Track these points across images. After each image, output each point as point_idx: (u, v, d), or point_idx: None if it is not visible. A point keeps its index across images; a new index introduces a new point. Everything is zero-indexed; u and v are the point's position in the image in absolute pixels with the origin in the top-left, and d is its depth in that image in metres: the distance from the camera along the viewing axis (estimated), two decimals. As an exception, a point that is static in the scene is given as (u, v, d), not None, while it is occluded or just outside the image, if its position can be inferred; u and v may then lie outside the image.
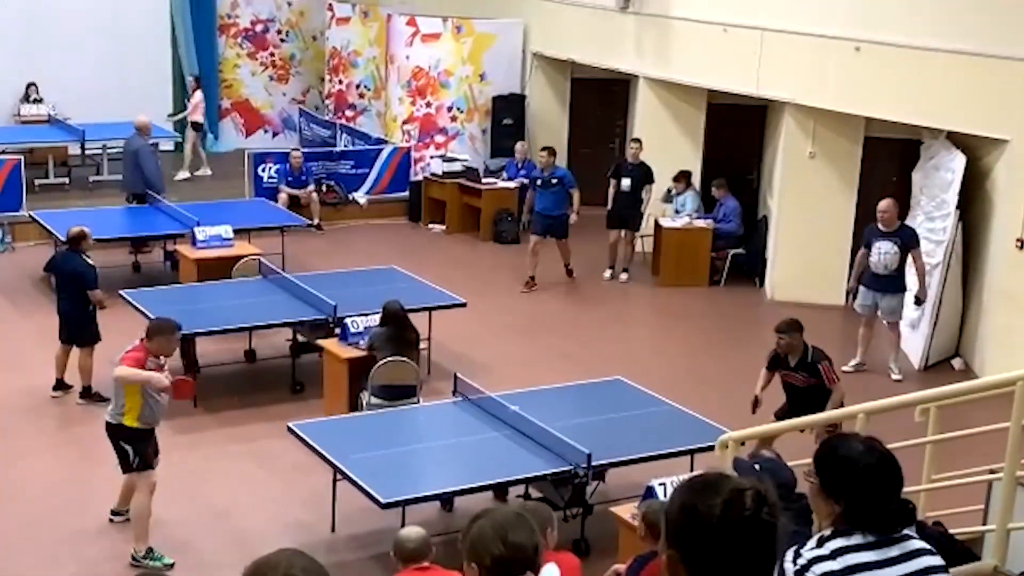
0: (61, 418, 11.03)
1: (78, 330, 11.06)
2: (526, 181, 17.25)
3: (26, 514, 9.10)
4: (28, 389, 11.42)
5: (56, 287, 11.44)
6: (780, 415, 9.36)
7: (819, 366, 9.38)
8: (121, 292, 11.95)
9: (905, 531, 3.50)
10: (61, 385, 11.28)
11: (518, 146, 17.77)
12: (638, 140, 15.66)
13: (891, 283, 12.14)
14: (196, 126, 19.51)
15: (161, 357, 8.42)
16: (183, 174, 19.21)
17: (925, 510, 7.28)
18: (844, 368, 12.58)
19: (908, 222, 13.62)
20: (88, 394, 11.14)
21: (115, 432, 8.31)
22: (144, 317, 11.41)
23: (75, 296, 11.00)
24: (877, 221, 12.18)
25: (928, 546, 3.51)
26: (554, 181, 14.81)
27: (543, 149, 15.31)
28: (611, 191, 15.51)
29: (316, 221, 17.08)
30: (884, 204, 12.18)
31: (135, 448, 8.28)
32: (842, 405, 8.79)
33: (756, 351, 13.76)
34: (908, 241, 12.07)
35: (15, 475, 9.79)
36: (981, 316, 12.62)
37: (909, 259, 12.10)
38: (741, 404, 11.19)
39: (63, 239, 11.92)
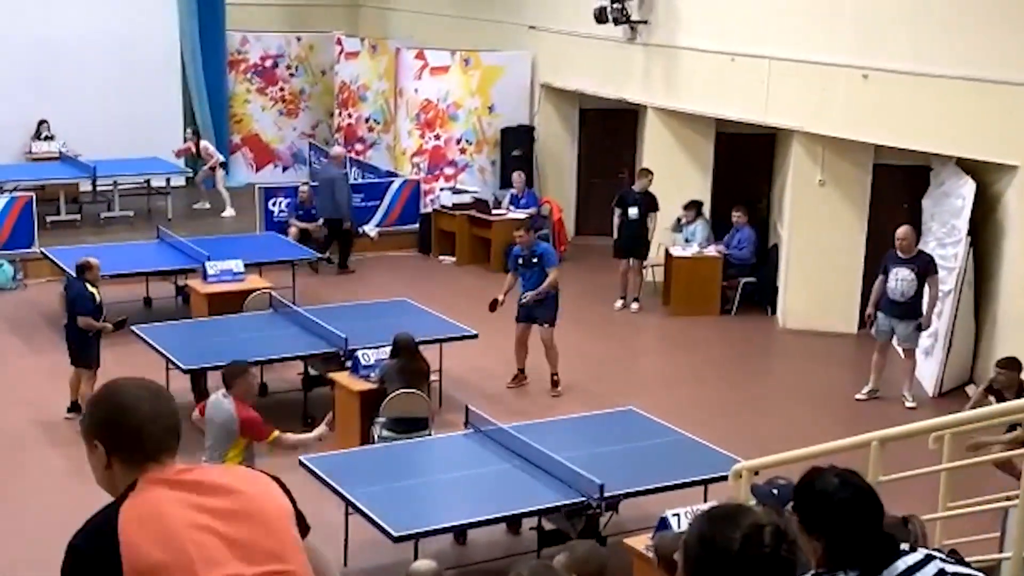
0: (72, 451, 11.03)
1: (77, 352, 11.51)
2: (531, 211, 17.33)
3: (41, 551, 9.08)
4: (40, 422, 11.46)
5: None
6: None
7: None
8: (132, 327, 11.98)
9: (900, 554, 3.41)
10: (75, 407, 11.54)
11: (515, 176, 17.82)
12: (650, 171, 15.65)
13: (908, 310, 12.14)
14: (222, 164, 19.81)
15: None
16: (229, 211, 19.37)
17: (941, 538, 7.22)
18: (857, 396, 12.55)
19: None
20: (76, 409, 11.37)
21: None
22: (155, 352, 11.45)
23: (74, 320, 11.49)
24: (895, 247, 12.20)
25: (919, 557, 3.41)
26: (535, 260, 12.60)
27: (518, 227, 13.08)
28: (616, 220, 15.50)
29: (327, 254, 17.11)
30: (902, 231, 12.20)
31: None
32: None
33: (769, 380, 13.81)
34: (925, 268, 12.08)
35: (31, 511, 9.78)
36: (994, 342, 12.56)
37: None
38: (755, 433, 11.16)
39: (74, 274, 12.15)
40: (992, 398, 9.79)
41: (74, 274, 11.91)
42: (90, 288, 11.43)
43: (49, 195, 18.37)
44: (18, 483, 10.31)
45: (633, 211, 15.30)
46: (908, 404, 12.20)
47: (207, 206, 19.60)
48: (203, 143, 19.87)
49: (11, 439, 11.17)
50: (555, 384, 12.57)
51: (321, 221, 17.05)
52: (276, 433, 8.58)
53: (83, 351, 11.45)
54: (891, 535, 3.41)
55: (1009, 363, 9.68)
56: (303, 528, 2.99)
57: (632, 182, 16.18)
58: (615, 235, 15.56)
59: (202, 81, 21.23)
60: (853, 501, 3.34)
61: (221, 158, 19.90)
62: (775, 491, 6.07)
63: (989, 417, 7.57)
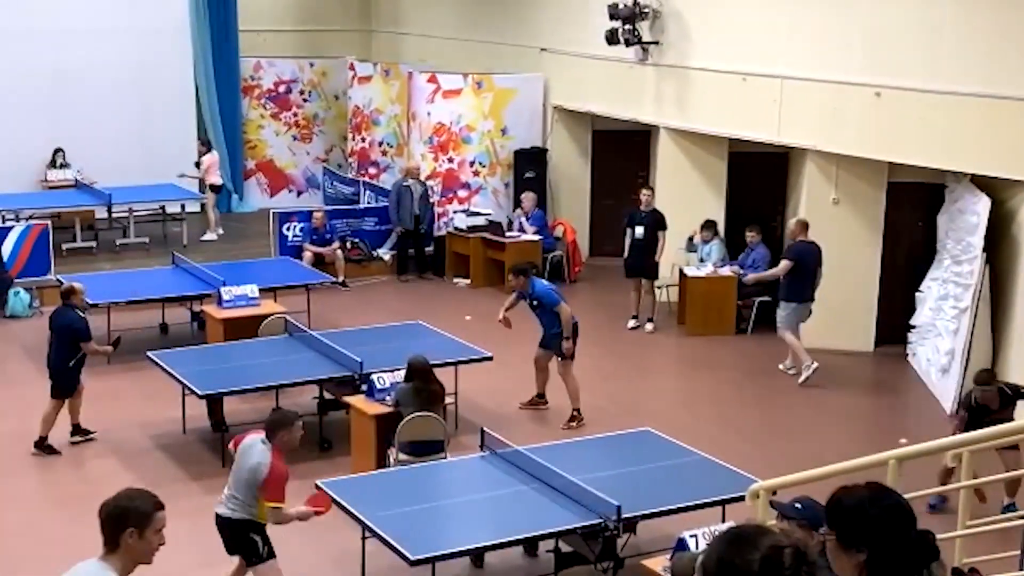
0: (82, 475, 11.03)
1: (62, 381, 11.42)
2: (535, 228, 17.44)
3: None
4: (56, 447, 11.45)
5: (49, 341, 11.70)
6: None
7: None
8: (148, 353, 12.01)
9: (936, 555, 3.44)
10: (79, 430, 11.59)
11: (523, 196, 17.89)
12: (650, 188, 15.70)
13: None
14: (214, 188, 19.78)
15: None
16: (210, 235, 19.41)
17: (961, 556, 7.18)
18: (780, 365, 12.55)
19: (934, 266, 13.65)
20: (79, 431, 11.52)
21: (243, 526, 8.11)
22: (172, 378, 11.46)
23: (60, 348, 11.42)
24: None
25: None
26: (535, 303, 12.29)
27: (510, 271, 13.02)
28: (627, 240, 15.50)
29: (341, 278, 17.15)
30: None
31: (264, 538, 8.15)
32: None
33: (785, 399, 13.75)
34: (784, 254, 13.85)
35: (38, 537, 9.79)
36: (1011, 359, 12.51)
37: None
38: (772, 453, 11.13)
39: (89, 302, 12.35)
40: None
41: (61, 301, 11.60)
42: (81, 314, 11.43)
43: (65, 222, 18.48)
44: (24, 506, 10.31)
45: (639, 230, 15.29)
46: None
47: (214, 237, 19.57)
48: (211, 154, 19.89)
49: (20, 465, 11.18)
50: (572, 419, 12.19)
51: (398, 229, 18.04)
52: (282, 505, 7.99)
53: (66, 381, 11.37)
54: (928, 532, 3.46)
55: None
56: None
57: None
58: (625, 254, 15.57)
59: (216, 107, 21.33)
60: (890, 508, 3.40)
61: (219, 180, 19.94)
62: (798, 505, 6.05)
63: (1008, 434, 7.53)
